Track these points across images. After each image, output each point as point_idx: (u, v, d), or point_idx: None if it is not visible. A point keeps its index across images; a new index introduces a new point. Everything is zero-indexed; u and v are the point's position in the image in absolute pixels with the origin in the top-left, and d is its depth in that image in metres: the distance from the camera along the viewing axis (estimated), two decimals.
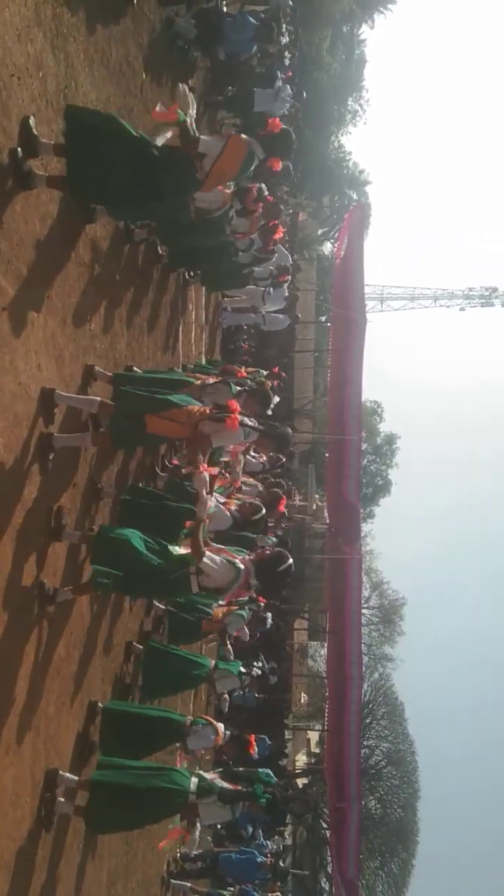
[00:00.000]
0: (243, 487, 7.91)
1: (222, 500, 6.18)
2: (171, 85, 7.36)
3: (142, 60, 6.22)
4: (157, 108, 4.44)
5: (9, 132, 3.59)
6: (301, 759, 28.72)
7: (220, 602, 6.88)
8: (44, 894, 4.33)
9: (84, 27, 4.67)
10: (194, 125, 4.40)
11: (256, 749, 6.51)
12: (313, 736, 28.90)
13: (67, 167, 4.00)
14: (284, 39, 10.56)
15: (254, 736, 6.32)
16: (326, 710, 19.80)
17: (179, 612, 6.90)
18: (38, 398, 4.11)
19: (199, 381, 5.49)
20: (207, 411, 4.73)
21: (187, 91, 4.46)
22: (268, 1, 10.81)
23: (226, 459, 6.82)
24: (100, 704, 5.22)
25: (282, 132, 7.75)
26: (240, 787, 6.14)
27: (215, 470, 5.27)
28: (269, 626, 10.25)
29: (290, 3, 10.83)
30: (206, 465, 4.81)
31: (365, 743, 25.89)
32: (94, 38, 4.93)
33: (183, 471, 6.76)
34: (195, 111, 4.36)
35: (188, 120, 4.33)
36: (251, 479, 8.87)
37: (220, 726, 5.56)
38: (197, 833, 5.53)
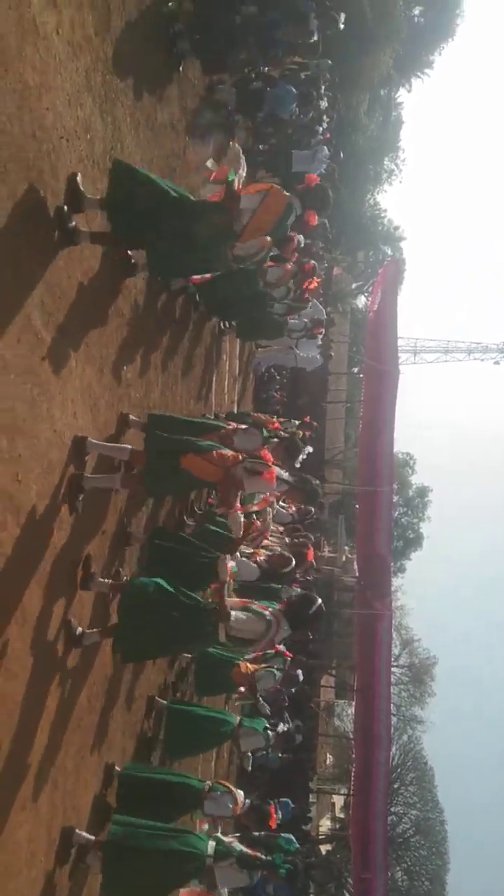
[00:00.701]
0: (270, 537, 7.84)
1: (248, 550, 6.12)
2: (213, 146, 7.65)
3: (185, 123, 6.47)
4: (209, 164, 4.60)
5: (56, 192, 3.73)
6: (325, 824, 27.56)
7: (249, 655, 6.75)
8: None
9: (131, 92, 4.89)
10: (241, 185, 4.53)
11: (279, 816, 6.24)
12: (338, 800, 27.78)
13: (111, 224, 4.13)
14: (323, 103, 10.93)
15: (274, 806, 6.05)
16: (353, 773, 19.04)
17: (207, 661, 6.78)
18: (72, 444, 4.16)
19: (230, 427, 5.52)
20: (241, 457, 4.74)
21: (240, 151, 4.61)
22: (308, 66, 11.23)
23: (256, 508, 6.78)
24: (116, 768, 5.09)
25: (318, 187, 7.95)
26: (259, 853, 5.88)
27: (245, 509, 5.27)
28: (300, 681, 10.00)
29: (330, 64, 11.23)
30: (240, 506, 4.81)
31: (392, 809, 24.81)
32: (141, 103, 5.16)
33: (218, 510, 6.75)
34: (245, 171, 4.50)
35: (236, 180, 4.46)
36: (279, 529, 8.79)
37: (240, 794, 5.35)
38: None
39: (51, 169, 3.63)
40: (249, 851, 4.97)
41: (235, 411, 10.02)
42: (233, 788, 5.37)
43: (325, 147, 10.82)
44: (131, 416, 5.07)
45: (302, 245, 7.87)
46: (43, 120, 3.53)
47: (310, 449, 10.01)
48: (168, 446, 4.63)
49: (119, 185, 4.06)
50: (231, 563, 4.86)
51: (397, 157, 32.41)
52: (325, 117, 11.09)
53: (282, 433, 6.92)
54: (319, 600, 5.14)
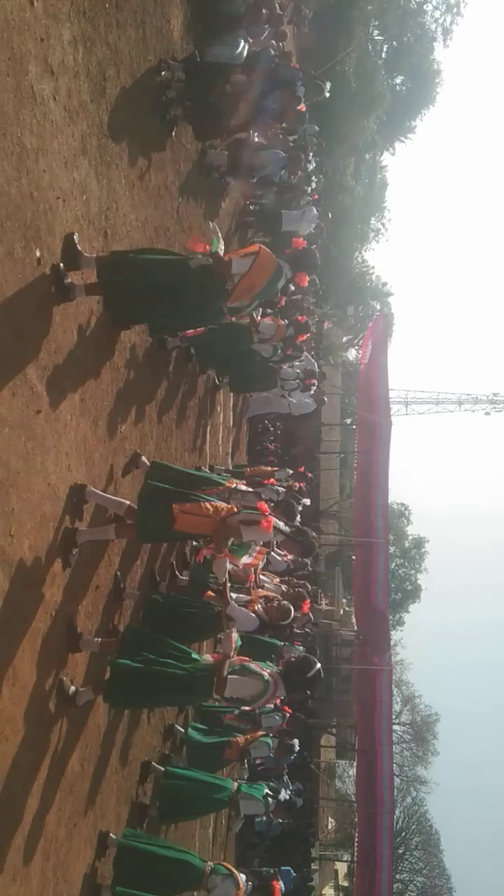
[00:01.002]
0: (265, 584, 7.73)
1: (245, 599, 6.03)
2: (206, 208, 7.88)
3: (178, 185, 6.67)
4: (191, 242, 4.76)
5: (52, 249, 3.81)
6: (329, 893, 26.30)
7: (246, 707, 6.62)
8: None
9: (126, 155, 5.06)
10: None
11: (282, 887, 5.93)
12: (341, 867, 26.60)
13: (104, 293, 4.24)
14: (311, 166, 11.33)
15: (277, 883, 5.76)
16: (356, 839, 18.30)
17: (197, 740, 6.64)
18: (66, 496, 4.13)
19: (229, 484, 5.49)
20: (235, 509, 4.70)
21: (217, 228, 4.78)
22: (296, 131, 11.69)
23: (251, 562, 6.72)
24: (111, 836, 4.87)
25: (305, 250, 8.18)
26: None
27: (239, 562, 5.20)
28: (295, 753, 9.75)
29: (317, 129, 11.70)
30: (228, 553, 4.75)
31: (397, 877, 23.74)
32: (135, 166, 5.32)
33: (204, 553, 6.69)
34: (223, 246, 4.65)
35: (219, 252, 4.60)
36: (275, 580, 8.68)
37: (242, 878, 5.12)
38: None
39: (47, 227, 3.71)
40: None
41: (231, 466, 10.02)
42: (234, 871, 5.14)
43: (314, 207, 11.17)
44: (143, 458, 5.09)
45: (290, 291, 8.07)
46: (40, 181, 3.63)
47: (307, 501, 9.98)
48: (161, 497, 4.60)
49: (114, 276, 4.21)
50: (236, 637, 4.82)
51: (383, 216, 33.61)
52: (313, 179, 11.47)
53: (280, 490, 6.90)
54: (318, 665, 5.06)
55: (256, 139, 9.82)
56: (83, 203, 4.23)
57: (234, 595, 5.26)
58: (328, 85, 8.95)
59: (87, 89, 4.32)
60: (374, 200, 31.72)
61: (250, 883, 5.35)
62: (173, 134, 6.50)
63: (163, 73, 5.98)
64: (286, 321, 8.65)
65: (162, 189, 6.09)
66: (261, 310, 7.89)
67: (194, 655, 4.73)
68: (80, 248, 3.98)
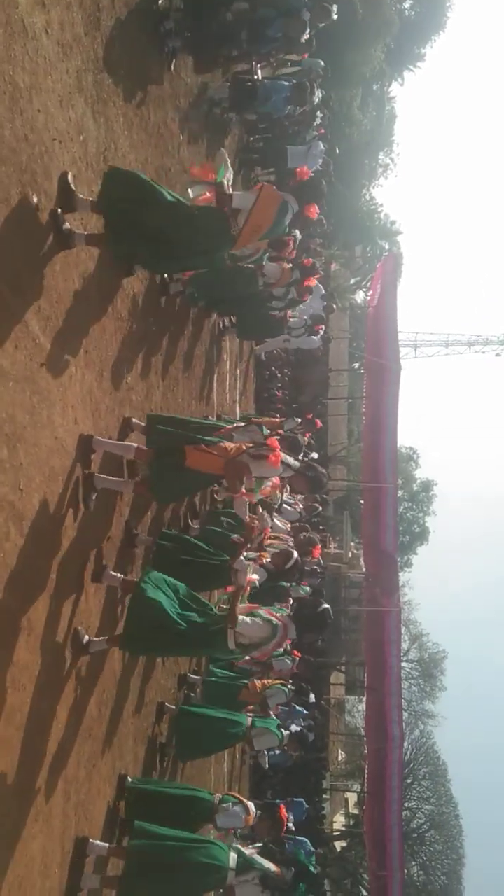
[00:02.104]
0: (276, 538, 7.78)
1: (254, 555, 6.09)
2: (208, 145, 7.58)
3: (178, 122, 6.41)
4: (196, 168, 4.54)
5: (50, 194, 3.67)
6: (339, 821, 27.52)
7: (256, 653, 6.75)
8: None
9: (123, 92, 4.83)
10: (230, 187, 4.47)
11: (292, 817, 6.20)
12: (352, 797, 27.74)
13: (106, 228, 4.07)
14: (317, 99, 10.85)
15: (285, 807, 6.01)
16: (366, 771, 18.99)
17: (214, 681, 6.77)
18: (76, 445, 4.13)
19: (230, 427, 5.48)
20: (244, 447, 4.71)
21: (226, 155, 4.55)
22: (300, 63, 11.16)
23: (262, 495, 6.72)
24: (129, 779, 5.04)
25: (310, 179, 7.84)
26: (281, 871, 5.81)
27: (254, 497, 5.22)
28: (311, 700, 10.01)
29: (322, 64, 11.16)
30: (245, 492, 4.78)
31: (406, 805, 24.75)
32: (133, 103, 5.10)
33: (218, 497, 6.71)
34: (231, 175, 4.44)
35: (225, 182, 4.41)
36: (287, 527, 8.73)
37: (251, 805, 5.31)
38: None
39: (44, 171, 3.57)
40: (273, 868, 4.90)
41: (238, 416, 9.96)
42: (243, 799, 5.32)
43: (321, 142, 10.76)
44: (134, 420, 5.04)
45: (299, 240, 7.80)
46: (34, 122, 3.47)
47: (315, 455, 9.93)
48: (170, 443, 4.60)
49: (113, 191, 4.01)
50: (255, 577, 4.86)
51: (392, 150, 32.34)
52: (318, 112, 11.01)
53: (307, 471, 6.83)
54: (326, 605, 5.13)
55: (259, 71, 9.40)
56: (80, 144, 4.06)
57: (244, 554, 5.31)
58: (335, 7, 8.43)
59: (81, 21, 4.09)
60: (382, 134, 30.51)
61: (258, 810, 5.53)
62: (172, 68, 6.21)
63: (160, 1, 5.67)
64: (291, 264, 8.42)
65: (162, 127, 5.85)
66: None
67: (209, 608, 4.78)
68: (74, 188, 3.82)
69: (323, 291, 11.64)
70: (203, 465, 4.64)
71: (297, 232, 7.44)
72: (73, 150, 3.95)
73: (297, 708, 12.36)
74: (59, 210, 3.72)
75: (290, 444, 6.00)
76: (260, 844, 5.24)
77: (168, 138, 6.04)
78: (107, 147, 4.51)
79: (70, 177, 3.81)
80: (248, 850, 4.88)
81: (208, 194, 4.90)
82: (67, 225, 3.79)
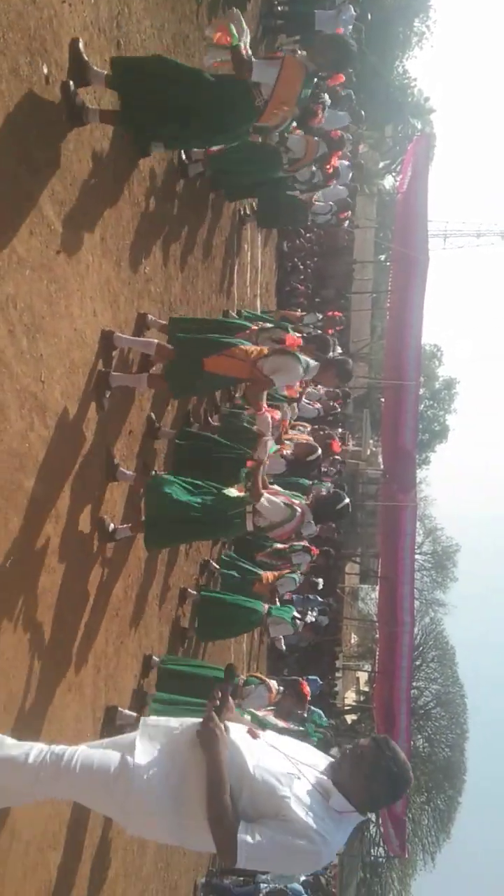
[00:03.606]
0: (295, 431, 7.81)
1: (275, 447, 6.14)
2: (226, 10, 6.96)
3: None
4: (208, 32, 4.16)
5: (61, 64, 3.43)
6: (350, 697, 29.40)
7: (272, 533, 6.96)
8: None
9: None
10: (249, 50, 4.12)
11: (309, 689, 6.64)
12: (362, 675, 29.46)
13: (121, 104, 3.82)
14: None
15: (304, 681, 6.40)
16: (377, 653, 20.03)
17: (234, 561, 7.00)
18: (98, 341, 4.09)
19: (255, 327, 5.37)
20: (265, 351, 4.63)
21: (241, 16, 4.14)
22: None
23: (284, 393, 6.68)
24: (154, 658, 5.34)
25: (334, 42, 7.22)
26: (291, 726, 6.26)
27: (277, 414, 5.21)
28: (319, 587, 10.37)
29: None
30: (267, 407, 4.77)
31: (414, 684, 26.24)
32: None
33: (245, 412, 6.72)
34: (248, 37, 4.06)
35: (242, 45, 4.04)
36: (306, 428, 8.76)
37: (273, 683, 5.64)
38: None
39: (53, 38, 3.31)
40: (283, 724, 5.28)
41: (259, 309, 9.75)
42: (265, 678, 5.64)
43: (351, 6, 9.84)
44: (150, 317, 4.93)
45: (328, 105, 7.21)
46: None
47: (339, 350, 9.74)
48: (190, 347, 4.53)
49: (125, 71, 3.73)
50: (271, 443, 4.85)
51: (428, 17, 29.59)
52: None
53: (333, 359, 6.65)
54: (347, 499, 5.19)
55: None
56: (92, 7, 3.74)
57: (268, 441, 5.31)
58: None
59: None
60: None
61: (281, 686, 5.90)
62: None
63: None
64: (317, 137, 7.90)
65: None
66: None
67: (226, 491, 4.85)
68: (87, 58, 3.56)
69: (351, 174, 10.99)
70: (223, 369, 4.56)
71: (327, 97, 6.92)
72: (83, 13, 3.65)
73: (311, 597, 12.92)
74: (71, 83, 3.49)
75: (339, 372, 5.84)
76: (273, 707, 5.60)
77: (185, 1, 5.55)
78: (119, 11, 4.15)
79: (81, 45, 3.54)
80: (262, 713, 5.25)
81: (224, 60, 4.54)
82: (80, 99, 3.57)
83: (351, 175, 10.98)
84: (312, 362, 4.92)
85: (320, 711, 8.84)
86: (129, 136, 4.18)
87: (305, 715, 6.39)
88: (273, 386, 4.63)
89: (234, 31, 4.00)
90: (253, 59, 4.05)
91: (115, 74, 3.71)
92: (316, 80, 4.37)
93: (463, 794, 31.91)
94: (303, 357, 4.74)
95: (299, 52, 4.33)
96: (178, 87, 3.85)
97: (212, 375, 4.49)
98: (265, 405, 4.68)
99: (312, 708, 9.07)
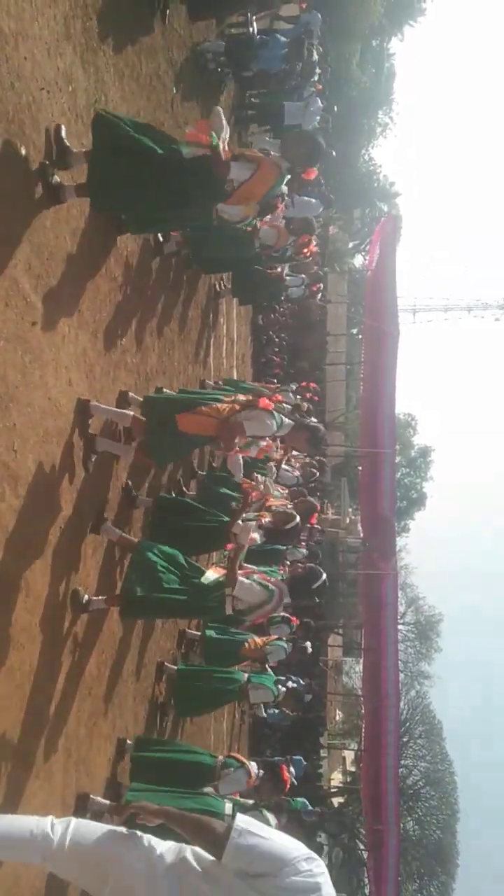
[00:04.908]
0: (275, 499, 7.77)
1: (254, 515, 6.09)
2: (202, 100, 7.37)
3: (172, 75, 6.22)
4: (190, 130, 4.30)
5: (38, 146, 3.56)
6: (336, 777, 28.19)
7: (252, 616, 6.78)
8: None
9: (114, 41, 4.67)
10: (226, 146, 4.27)
11: (293, 775, 6.31)
12: (349, 755, 28.37)
13: (89, 173, 3.90)
14: (314, 55, 10.53)
15: (286, 766, 6.09)
16: (363, 730, 19.39)
17: (215, 637, 6.83)
18: (73, 409, 4.10)
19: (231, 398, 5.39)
20: (237, 407, 4.64)
21: (222, 114, 4.32)
22: (297, 19, 10.80)
23: (256, 455, 6.68)
24: (128, 742, 5.10)
25: (305, 139, 7.61)
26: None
27: (250, 452, 5.18)
28: (309, 652, 10.16)
29: (320, 18, 10.80)
30: (239, 449, 4.75)
31: (402, 762, 25.32)
32: (125, 53, 4.93)
33: (215, 464, 6.69)
34: (228, 135, 4.24)
35: (221, 144, 4.19)
36: (284, 492, 8.73)
37: (253, 766, 5.35)
38: None
39: (32, 122, 3.46)
40: (271, 819, 4.98)
41: (234, 378, 9.88)
42: (245, 761, 5.38)
43: (318, 99, 10.48)
44: (131, 394, 4.99)
45: (285, 195, 7.50)
46: (21, 70, 3.35)
47: (314, 419, 9.86)
48: (165, 412, 4.55)
49: (101, 138, 3.86)
50: (256, 535, 4.85)
51: (391, 109, 31.57)
52: (316, 69, 10.70)
53: (286, 406, 6.74)
54: (324, 576, 5.14)
55: (255, 24, 9.11)
56: (69, 95, 3.93)
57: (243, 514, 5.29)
58: None
59: None
60: (381, 92, 29.75)
61: (261, 770, 5.62)
62: (165, 18, 5.99)
63: None
64: (284, 220, 8.22)
65: (154, 79, 5.67)
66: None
67: (204, 577, 4.76)
68: (67, 142, 3.71)
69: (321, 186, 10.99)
70: (196, 428, 4.58)
71: (285, 188, 7.22)
72: (61, 101, 3.83)
73: (293, 678, 12.50)
74: (48, 163, 3.61)
75: (311, 438, 5.87)
76: (252, 801, 5.33)
77: (161, 91, 5.86)
78: (97, 99, 4.37)
79: (63, 131, 3.69)
80: (243, 801, 4.98)
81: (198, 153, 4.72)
82: (57, 178, 3.69)
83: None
84: (287, 420, 4.95)
85: (304, 800, 8.42)
86: (96, 207, 4.23)
87: (283, 804, 6.04)
88: (244, 434, 4.62)
89: (215, 129, 4.12)
90: (231, 163, 4.15)
91: (95, 142, 3.81)
92: (289, 177, 4.57)
93: (456, 880, 30.34)
94: (276, 414, 4.77)
95: (272, 153, 4.53)
96: (148, 162, 3.95)
97: (187, 436, 4.50)
98: (237, 448, 4.67)
99: (296, 799, 8.64)
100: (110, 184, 3.86)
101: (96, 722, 4.63)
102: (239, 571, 4.76)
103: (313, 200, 9.72)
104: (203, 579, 4.67)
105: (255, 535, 4.96)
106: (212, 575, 4.77)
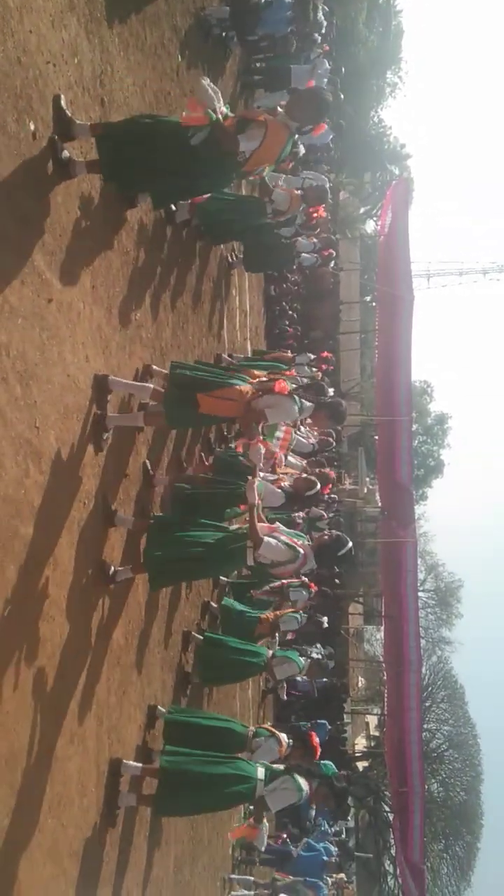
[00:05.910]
0: (290, 461, 7.78)
1: (272, 478, 6.12)
2: (208, 67, 7.25)
3: (177, 42, 6.12)
4: (185, 114, 4.17)
5: (47, 121, 3.55)
6: (360, 742, 28.64)
7: (275, 583, 6.85)
8: (113, 880, 4.39)
9: (118, 10, 4.59)
10: (228, 111, 4.18)
11: (318, 738, 6.43)
12: (372, 720, 28.77)
13: (101, 163, 3.92)
14: (320, 16, 10.28)
15: (313, 731, 6.19)
16: (385, 695, 19.64)
17: (234, 608, 6.93)
18: (91, 385, 4.13)
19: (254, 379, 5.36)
20: (259, 392, 4.68)
21: (208, 85, 4.17)
22: None
23: (279, 444, 6.71)
24: (160, 708, 5.21)
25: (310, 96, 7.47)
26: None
27: (272, 445, 5.23)
28: (325, 626, 10.25)
29: None
30: (261, 439, 4.79)
31: (425, 726, 25.64)
32: (129, 22, 4.85)
33: (237, 447, 6.74)
34: (222, 103, 4.13)
35: (219, 117, 4.08)
36: (303, 462, 8.75)
37: (283, 736, 5.44)
38: (265, 830, 5.46)
39: (39, 97, 3.44)
40: (304, 784, 5.09)
41: (250, 353, 9.85)
42: (275, 731, 5.47)
43: (326, 60, 10.27)
44: (154, 367, 5.00)
45: (301, 154, 7.37)
46: (27, 44, 3.32)
47: (331, 391, 9.86)
48: (186, 380, 4.58)
49: (108, 141, 3.87)
50: (257, 482, 4.86)
51: (399, 69, 30.85)
52: (323, 26, 10.45)
53: (326, 401, 6.66)
54: (350, 543, 5.17)
55: None
56: (75, 67, 3.89)
57: (260, 474, 5.30)
58: None
59: None
60: (389, 51, 29.04)
61: (290, 740, 5.73)
62: None
63: None
64: (300, 191, 8.15)
65: (159, 48, 5.59)
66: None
67: (225, 527, 4.83)
68: (69, 112, 3.67)
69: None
70: (216, 410, 4.61)
71: (301, 147, 7.08)
72: (68, 73, 3.80)
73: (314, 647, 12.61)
74: (57, 137, 3.60)
75: (332, 413, 5.90)
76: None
77: (166, 59, 5.78)
78: (103, 70, 4.32)
79: (63, 101, 3.65)
80: (276, 766, 5.09)
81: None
82: (66, 153, 3.68)
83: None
84: (307, 403, 4.97)
85: (330, 763, 8.57)
86: (115, 190, 4.29)
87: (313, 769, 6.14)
88: (266, 421, 4.65)
89: (206, 102, 3.99)
90: (239, 136, 4.06)
91: (99, 149, 3.84)
92: (298, 135, 4.51)
93: (481, 840, 30.85)
94: (297, 398, 4.80)
95: (279, 109, 4.45)
96: (162, 153, 3.96)
97: (203, 414, 4.54)
98: (260, 436, 4.71)
99: (323, 762, 8.81)
100: (128, 175, 3.87)
101: (126, 690, 4.75)
102: (263, 526, 4.78)
103: (322, 176, 9.58)
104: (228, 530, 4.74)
105: (258, 482, 4.92)
106: (234, 526, 4.84)
